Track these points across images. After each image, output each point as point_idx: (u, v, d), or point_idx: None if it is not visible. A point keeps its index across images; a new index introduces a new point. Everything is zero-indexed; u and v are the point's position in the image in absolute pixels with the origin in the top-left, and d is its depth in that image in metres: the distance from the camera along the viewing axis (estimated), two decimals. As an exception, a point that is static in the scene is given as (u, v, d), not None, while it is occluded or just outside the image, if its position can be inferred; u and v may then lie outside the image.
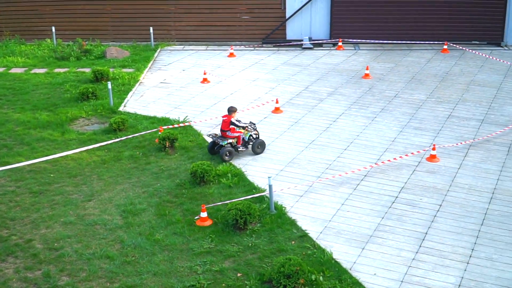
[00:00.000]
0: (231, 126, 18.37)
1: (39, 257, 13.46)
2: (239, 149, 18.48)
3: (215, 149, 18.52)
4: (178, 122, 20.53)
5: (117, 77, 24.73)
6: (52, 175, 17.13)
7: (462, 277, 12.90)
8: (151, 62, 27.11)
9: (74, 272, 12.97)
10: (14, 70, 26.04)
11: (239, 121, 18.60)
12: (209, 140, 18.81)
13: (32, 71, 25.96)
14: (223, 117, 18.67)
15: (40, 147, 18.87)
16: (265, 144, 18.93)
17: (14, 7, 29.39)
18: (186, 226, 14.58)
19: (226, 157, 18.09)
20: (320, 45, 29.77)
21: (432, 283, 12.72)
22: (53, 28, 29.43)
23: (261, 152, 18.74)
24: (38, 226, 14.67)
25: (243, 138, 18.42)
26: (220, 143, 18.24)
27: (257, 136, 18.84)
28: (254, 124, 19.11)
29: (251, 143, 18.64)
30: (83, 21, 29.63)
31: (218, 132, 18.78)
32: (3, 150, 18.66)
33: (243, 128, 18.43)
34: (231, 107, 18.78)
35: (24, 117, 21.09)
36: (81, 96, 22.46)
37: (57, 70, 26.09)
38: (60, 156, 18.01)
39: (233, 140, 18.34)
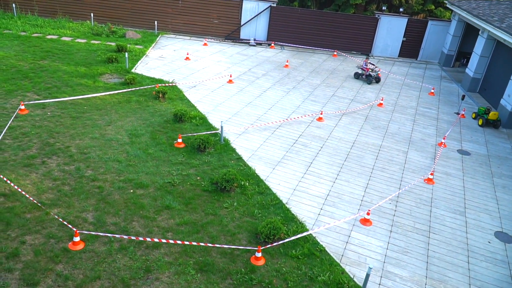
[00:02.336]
0: (366, 66, 24.03)
1: (73, 158, 13.24)
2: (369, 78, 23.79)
3: (358, 77, 24.30)
4: (168, 82, 20.14)
5: (131, 50, 23.99)
6: (85, 108, 16.66)
7: (330, 190, 13.35)
8: (154, 43, 26.35)
9: (96, 169, 12.85)
10: (64, 38, 24.84)
11: (371, 63, 24.53)
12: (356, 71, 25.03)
13: (76, 40, 24.82)
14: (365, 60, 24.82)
15: (79, 89, 18.24)
16: (380, 79, 23.99)
17: (67, -2, 28.08)
18: (168, 147, 14.53)
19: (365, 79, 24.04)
20: (260, 44, 29.44)
21: (312, 192, 13.13)
22: (92, 14, 28.25)
23: (377, 82, 23.96)
24: (74, 138, 14.34)
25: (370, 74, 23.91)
26: (361, 74, 24.10)
27: (376, 74, 23.85)
28: (375, 69, 24.10)
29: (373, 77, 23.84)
30: (112, 12, 28.51)
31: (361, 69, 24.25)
32: (54, 89, 17.97)
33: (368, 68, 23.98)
34: (367, 56, 26.92)
35: (69, 69, 20.28)
36: (107, 60, 21.76)
37: (93, 41, 25.08)
38: (91, 96, 17.57)
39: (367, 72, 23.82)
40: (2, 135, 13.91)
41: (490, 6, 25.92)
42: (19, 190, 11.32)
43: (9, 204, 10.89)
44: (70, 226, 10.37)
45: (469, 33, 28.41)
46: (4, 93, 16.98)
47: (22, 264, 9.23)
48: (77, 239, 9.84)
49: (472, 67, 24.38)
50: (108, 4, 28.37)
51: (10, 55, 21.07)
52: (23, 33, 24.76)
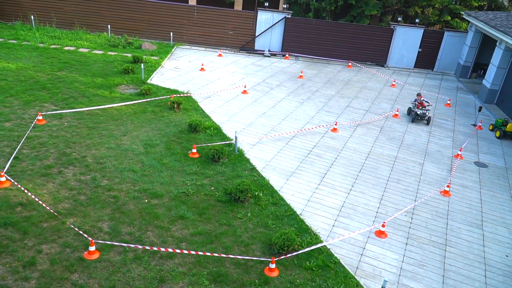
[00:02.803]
0: (416, 101, 20.43)
1: (89, 167, 13.44)
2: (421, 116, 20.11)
3: (410, 112, 20.73)
4: (183, 93, 20.38)
5: (147, 61, 24.36)
6: (101, 118, 16.94)
7: (344, 201, 13.33)
8: (170, 54, 26.72)
9: (112, 178, 13.03)
10: (81, 50, 25.36)
11: (425, 100, 20.55)
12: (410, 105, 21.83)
13: (93, 52, 25.32)
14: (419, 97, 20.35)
15: (95, 100, 18.58)
16: (430, 120, 20.22)
17: (84, 8, 28.57)
18: (182, 157, 14.68)
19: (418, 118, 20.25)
20: (274, 55, 29.65)
21: (326, 203, 13.12)
22: (109, 26, 28.81)
23: (427, 124, 20.16)
24: (90, 148, 14.59)
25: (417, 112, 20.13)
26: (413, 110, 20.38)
27: (426, 114, 20.11)
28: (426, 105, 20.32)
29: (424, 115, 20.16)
30: (129, 23, 29.05)
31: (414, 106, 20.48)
32: (71, 100, 18.32)
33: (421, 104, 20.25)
34: (419, 93, 21.13)
35: (86, 80, 20.68)
36: (124, 71, 22.12)
37: (109, 53, 25.55)
38: (107, 107, 17.86)
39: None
40: (20, 145, 14.22)
41: (507, 17, 25.77)
42: (36, 199, 11.55)
43: (26, 213, 11.11)
44: (85, 235, 10.52)
45: (486, 44, 28.24)
46: (22, 104, 17.38)
47: (39, 273, 9.39)
48: (92, 248, 9.99)
49: (489, 78, 24.19)
50: (124, 16, 28.93)
51: (29, 67, 21.58)
52: (41, 45, 25.34)
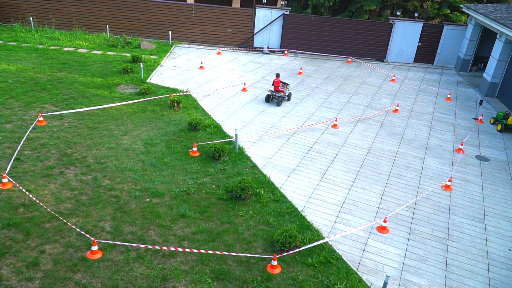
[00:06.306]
0: (281, 85, 20.17)
1: (90, 167, 13.48)
2: (284, 99, 20.65)
3: (270, 99, 20.24)
4: (182, 91, 20.41)
5: (146, 60, 24.37)
6: (102, 118, 16.97)
7: (346, 198, 13.33)
8: (169, 53, 26.72)
9: (113, 178, 13.06)
10: (80, 50, 25.40)
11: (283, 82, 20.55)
12: (267, 93, 20.76)
13: (92, 52, 25.35)
14: (275, 80, 19.90)
15: (95, 100, 18.61)
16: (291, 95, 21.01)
17: (82, 9, 28.60)
18: (183, 155, 14.70)
19: (280, 103, 20.02)
20: (273, 52, 29.64)
21: (327, 199, 13.13)
22: (107, 26, 28.83)
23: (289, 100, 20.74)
24: (91, 149, 14.62)
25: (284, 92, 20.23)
26: (277, 95, 19.86)
27: (289, 93, 20.76)
28: (288, 84, 20.68)
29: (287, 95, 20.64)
30: (127, 23, 29.07)
31: (272, 89, 20.39)
32: (71, 100, 18.36)
33: (285, 86, 20.32)
34: (278, 73, 20.24)
35: (86, 80, 20.71)
36: (123, 70, 22.15)
37: (108, 53, 25.57)
38: (107, 106, 17.89)
39: (282, 93, 19.95)
40: (21, 146, 14.26)
41: (508, 9, 25.70)
42: (37, 201, 11.58)
43: (29, 214, 11.15)
44: (88, 235, 10.56)
45: (486, 37, 28.19)
46: (23, 105, 17.41)
47: (42, 273, 9.43)
48: (95, 248, 10.02)
49: (490, 71, 24.16)
50: (123, 16, 28.94)
51: (28, 68, 21.60)
52: (40, 46, 25.36)
